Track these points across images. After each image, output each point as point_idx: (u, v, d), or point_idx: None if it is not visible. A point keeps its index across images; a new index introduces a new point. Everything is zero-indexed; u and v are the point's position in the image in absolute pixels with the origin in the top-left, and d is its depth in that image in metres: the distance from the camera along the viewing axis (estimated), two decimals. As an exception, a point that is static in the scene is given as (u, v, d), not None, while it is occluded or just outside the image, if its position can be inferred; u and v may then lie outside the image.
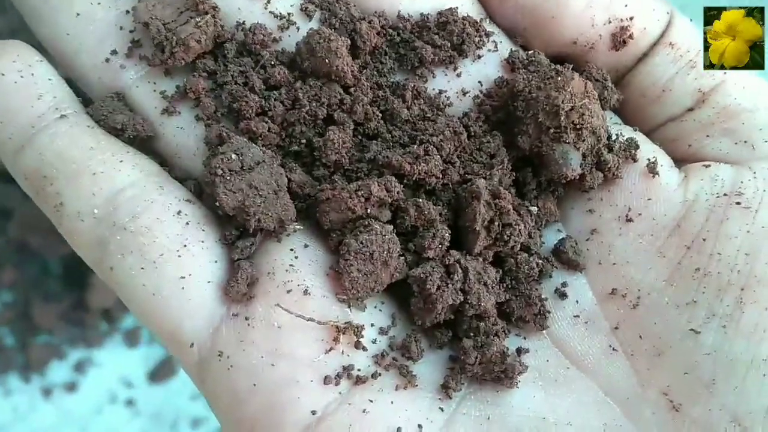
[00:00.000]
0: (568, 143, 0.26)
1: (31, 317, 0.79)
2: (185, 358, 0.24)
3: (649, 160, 0.25)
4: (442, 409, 0.22)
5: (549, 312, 0.25)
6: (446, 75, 0.29)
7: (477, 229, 0.25)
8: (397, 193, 0.26)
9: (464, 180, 0.27)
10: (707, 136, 0.25)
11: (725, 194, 0.23)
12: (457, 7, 0.30)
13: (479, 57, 0.30)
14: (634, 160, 0.25)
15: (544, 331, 0.25)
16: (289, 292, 0.23)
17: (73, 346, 0.80)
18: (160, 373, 0.78)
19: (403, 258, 0.26)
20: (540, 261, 0.26)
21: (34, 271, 0.83)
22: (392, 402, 0.22)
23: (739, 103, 0.25)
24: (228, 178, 0.25)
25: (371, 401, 0.22)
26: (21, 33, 0.97)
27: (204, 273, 0.24)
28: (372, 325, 0.24)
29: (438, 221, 0.26)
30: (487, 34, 0.30)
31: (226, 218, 0.26)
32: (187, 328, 0.23)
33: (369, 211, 0.25)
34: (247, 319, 0.23)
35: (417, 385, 0.23)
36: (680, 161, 0.26)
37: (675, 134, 0.26)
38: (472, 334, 0.25)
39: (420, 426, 0.22)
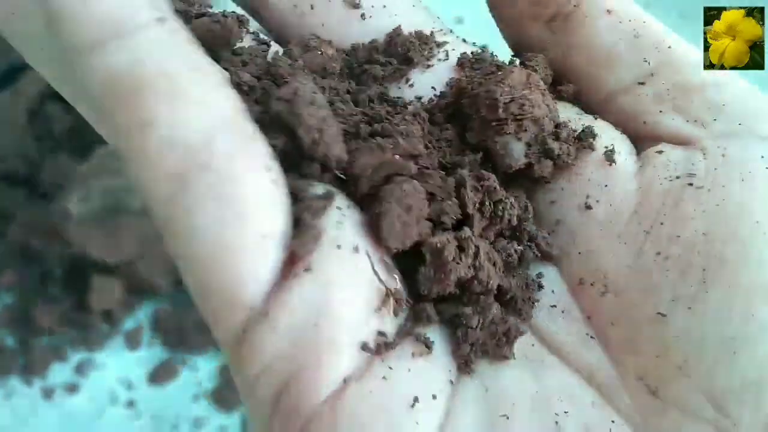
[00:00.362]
0: (509, 134, 0.26)
1: (32, 319, 0.79)
2: (229, 322, 0.21)
3: (606, 147, 0.25)
4: (452, 382, 0.22)
5: (534, 300, 0.25)
6: (399, 87, 0.30)
7: (471, 212, 0.25)
8: (417, 149, 0.25)
9: (442, 166, 0.27)
10: (660, 111, 0.25)
11: (677, 177, 0.23)
12: (400, 25, 0.31)
13: (429, 66, 0.30)
14: (592, 149, 0.25)
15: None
16: (339, 247, 0.22)
17: (74, 347, 0.80)
18: (161, 374, 0.79)
19: (428, 222, 0.25)
20: (519, 248, 0.26)
21: (35, 273, 0.83)
22: (409, 370, 0.22)
23: (688, 79, 0.25)
24: (307, 103, 0.23)
25: (390, 368, 0.21)
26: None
27: (280, 232, 0.21)
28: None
29: (452, 195, 0.26)
30: (439, 45, 0.31)
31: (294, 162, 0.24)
32: (250, 287, 0.21)
33: (398, 157, 0.25)
34: (298, 275, 0.21)
35: (431, 353, 0.23)
36: (639, 140, 0.26)
37: (629, 108, 0.26)
38: (471, 305, 0.25)
39: (434, 396, 0.21)
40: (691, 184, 0.23)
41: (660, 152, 0.24)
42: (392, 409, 0.21)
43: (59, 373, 0.78)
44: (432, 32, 0.31)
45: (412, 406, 0.21)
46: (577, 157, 0.26)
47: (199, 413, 0.77)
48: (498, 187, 0.26)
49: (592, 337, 0.23)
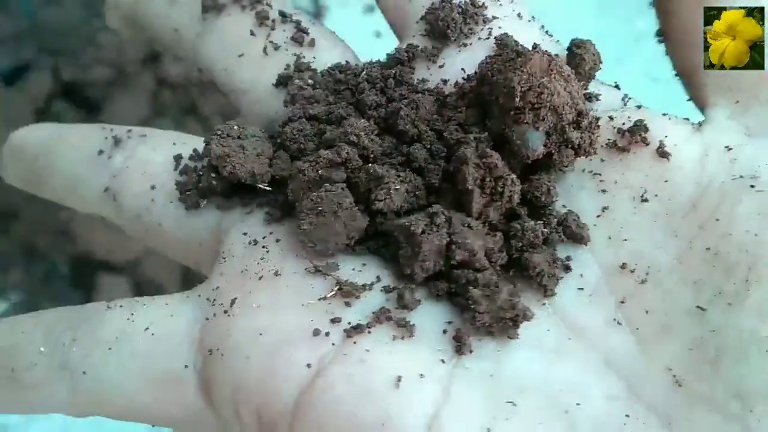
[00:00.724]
0: (527, 123, 0.26)
1: (39, 317, 0.79)
2: (182, 399, 0.24)
3: (660, 141, 0.25)
4: (443, 361, 0.23)
5: (559, 277, 0.25)
6: (428, 68, 0.30)
7: (470, 188, 0.26)
8: (347, 153, 0.27)
9: (448, 146, 0.28)
10: (737, 102, 0.25)
11: (741, 176, 0.23)
12: None
13: (465, 46, 0.30)
14: (645, 143, 0.25)
15: (546, 302, 0.25)
16: (261, 279, 0.25)
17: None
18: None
19: (357, 209, 0.27)
20: (545, 230, 0.26)
21: (41, 272, 0.84)
22: (390, 352, 0.22)
23: None
24: (223, 138, 0.29)
25: (367, 350, 0.22)
26: (27, 34, 0.97)
27: (164, 315, 0.26)
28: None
29: (389, 178, 0.27)
30: (486, 20, 0.30)
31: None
32: (173, 356, 0.24)
33: (320, 173, 0.27)
34: (225, 312, 0.24)
35: (414, 336, 0.23)
36: (715, 119, 0.26)
37: (719, 80, 0.26)
38: (472, 286, 0.25)
39: (422, 375, 0.22)
40: (753, 186, 0.23)
41: (729, 149, 0.24)
42: (375, 390, 0.22)
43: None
44: (484, 3, 0.31)
45: (396, 386, 0.22)
46: (631, 151, 0.26)
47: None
48: (500, 165, 0.26)
49: (619, 323, 0.23)
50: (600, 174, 0.26)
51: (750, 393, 0.20)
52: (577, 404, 0.22)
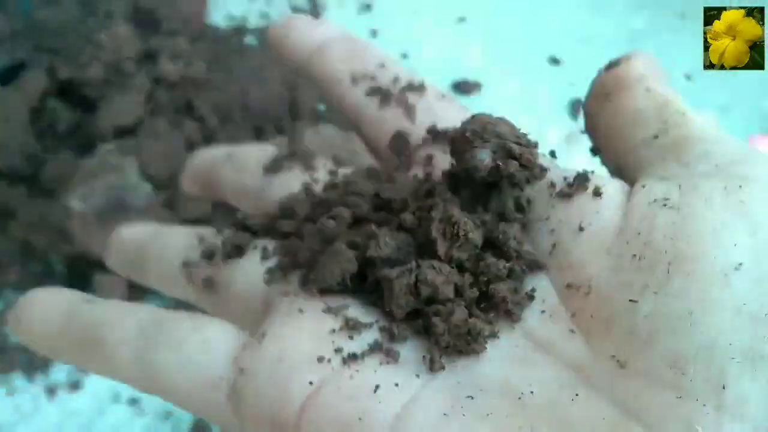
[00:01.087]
0: (476, 147, 0.31)
1: (35, 317, 0.79)
2: (217, 401, 0.30)
3: (597, 186, 0.30)
4: (418, 376, 0.28)
5: (521, 305, 0.29)
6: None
7: (433, 236, 0.31)
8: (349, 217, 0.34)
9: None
10: (662, 158, 0.30)
11: (655, 200, 0.28)
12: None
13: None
14: (585, 189, 0.30)
15: (514, 325, 0.29)
16: (288, 315, 0.31)
17: (77, 345, 0.80)
18: (163, 372, 0.79)
19: (352, 256, 0.32)
20: (508, 264, 0.30)
21: (37, 271, 0.84)
22: (375, 371, 0.28)
23: (692, 134, 0.30)
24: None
25: (357, 371, 0.28)
26: (22, 34, 0.97)
27: (220, 333, 0.32)
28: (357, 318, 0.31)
29: (382, 234, 0.32)
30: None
31: None
32: (215, 367, 0.31)
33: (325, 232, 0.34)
34: (258, 340, 0.30)
35: (398, 361, 0.29)
36: (640, 178, 0.31)
37: (644, 156, 0.31)
38: (437, 314, 0.30)
39: (397, 384, 0.27)
40: (665, 205, 0.27)
41: (644, 186, 0.29)
42: (357, 396, 0.27)
43: (62, 370, 0.79)
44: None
45: (375, 391, 0.27)
46: (574, 195, 0.31)
47: (201, 410, 0.78)
48: (456, 213, 0.31)
49: (573, 331, 0.27)
50: (549, 217, 0.31)
51: (680, 360, 0.24)
52: (531, 392, 0.26)
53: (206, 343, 0.31)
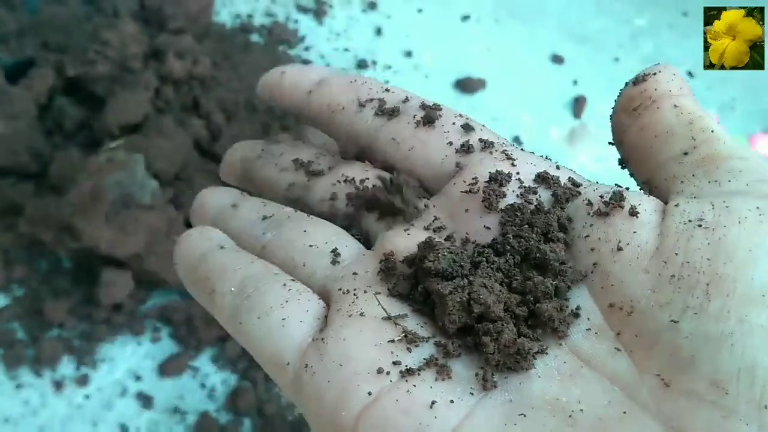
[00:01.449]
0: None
1: (42, 312, 0.80)
2: (283, 379, 0.31)
3: (632, 205, 0.31)
4: (472, 393, 0.29)
5: (567, 323, 0.30)
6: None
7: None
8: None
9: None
10: (693, 175, 0.31)
11: (690, 221, 0.29)
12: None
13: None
14: (621, 208, 0.31)
15: (562, 342, 0.30)
16: (350, 317, 0.32)
17: (84, 340, 0.81)
18: (170, 367, 0.79)
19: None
20: (553, 282, 0.31)
21: (45, 267, 0.84)
22: (431, 387, 0.29)
23: (720, 151, 0.31)
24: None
25: (414, 386, 0.29)
26: (29, 31, 0.97)
27: (299, 316, 0.32)
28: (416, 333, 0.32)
29: (440, 247, 0.33)
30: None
31: None
32: (285, 353, 0.32)
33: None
34: (323, 339, 0.31)
35: (452, 378, 0.29)
36: (672, 195, 0.32)
37: (673, 172, 0.32)
38: (487, 333, 0.30)
39: (452, 401, 0.28)
40: (700, 225, 0.28)
41: (677, 205, 0.30)
42: (414, 411, 0.28)
43: (69, 365, 0.79)
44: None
45: (431, 407, 0.28)
46: (611, 214, 0.32)
47: (208, 405, 0.78)
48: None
49: (619, 349, 0.28)
50: (588, 236, 0.32)
51: (722, 380, 0.25)
52: (581, 410, 0.27)
53: (285, 322, 0.32)
